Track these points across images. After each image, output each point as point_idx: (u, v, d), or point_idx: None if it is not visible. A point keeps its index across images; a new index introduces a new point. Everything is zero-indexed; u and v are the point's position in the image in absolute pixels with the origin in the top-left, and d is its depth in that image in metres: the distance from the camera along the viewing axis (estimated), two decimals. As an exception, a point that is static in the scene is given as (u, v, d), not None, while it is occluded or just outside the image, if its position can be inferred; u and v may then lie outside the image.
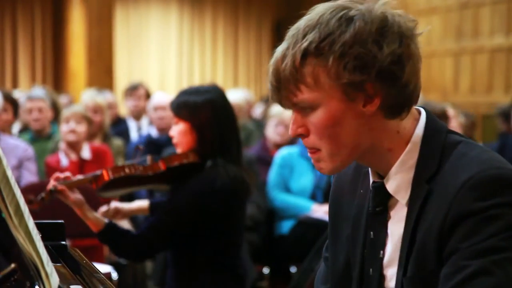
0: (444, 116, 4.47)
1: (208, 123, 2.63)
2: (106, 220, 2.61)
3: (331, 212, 1.56)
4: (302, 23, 1.33)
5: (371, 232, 1.43)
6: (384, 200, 1.40)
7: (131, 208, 2.80)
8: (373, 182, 1.42)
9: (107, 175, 2.58)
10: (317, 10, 1.33)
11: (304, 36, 1.31)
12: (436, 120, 1.40)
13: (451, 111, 4.90)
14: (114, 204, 2.77)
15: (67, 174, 2.60)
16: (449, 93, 9.56)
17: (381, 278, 1.41)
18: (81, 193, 2.61)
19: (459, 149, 1.34)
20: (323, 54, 1.29)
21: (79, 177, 2.65)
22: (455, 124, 5.10)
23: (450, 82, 9.61)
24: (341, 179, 1.55)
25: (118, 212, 2.74)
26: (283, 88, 1.34)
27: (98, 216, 2.60)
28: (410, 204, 1.35)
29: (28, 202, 2.53)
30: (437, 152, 1.35)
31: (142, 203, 2.85)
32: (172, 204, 2.63)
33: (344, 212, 1.50)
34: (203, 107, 2.63)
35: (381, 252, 1.41)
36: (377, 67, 1.29)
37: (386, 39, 1.29)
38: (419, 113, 1.40)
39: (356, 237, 1.46)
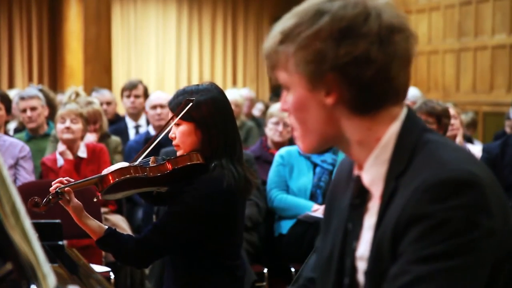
0: (446, 115, 4.45)
1: (213, 122, 2.59)
2: (105, 227, 2.56)
3: (327, 203, 1.59)
4: (299, 6, 1.39)
5: (350, 223, 1.45)
6: (362, 193, 1.43)
7: None
8: (355, 175, 1.46)
9: (112, 177, 2.53)
10: (308, 1, 1.39)
11: (288, 19, 1.37)
12: (415, 118, 1.41)
13: (452, 110, 4.88)
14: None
15: (68, 179, 2.56)
16: (450, 92, 9.56)
17: (353, 269, 1.44)
18: (80, 196, 2.56)
19: (426, 149, 1.35)
20: (291, 42, 1.35)
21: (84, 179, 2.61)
22: (457, 122, 5.08)
23: (452, 81, 9.61)
24: (341, 171, 1.58)
25: None
26: (267, 65, 1.41)
27: (97, 222, 2.56)
28: (382, 198, 1.38)
29: (35, 204, 2.50)
30: (408, 150, 1.36)
31: None
32: (178, 207, 2.58)
33: (337, 203, 1.53)
34: (206, 106, 2.59)
35: (354, 243, 1.43)
36: (330, 65, 1.32)
37: (347, 40, 1.32)
38: (402, 110, 1.41)
39: (339, 227, 1.48)
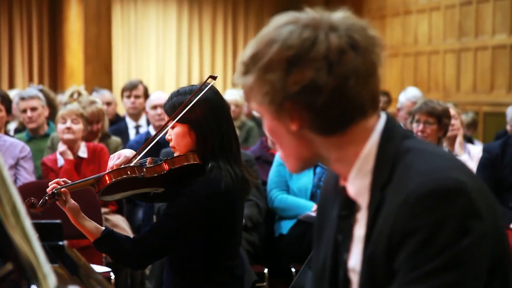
0: (446, 115, 4.45)
1: (207, 123, 2.58)
2: (102, 228, 2.56)
3: (317, 214, 1.59)
4: (263, 30, 1.39)
5: (340, 235, 1.45)
6: (349, 204, 1.42)
7: None
8: (341, 186, 1.45)
9: (109, 177, 2.52)
10: (271, 23, 1.37)
11: (249, 48, 1.37)
12: (394, 125, 1.40)
13: (452, 110, 4.88)
14: None
15: (65, 179, 2.56)
16: (450, 92, 9.55)
17: (347, 281, 1.43)
18: (81, 196, 2.56)
19: (407, 158, 1.34)
20: (251, 73, 1.35)
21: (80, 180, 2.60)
22: (457, 123, 5.08)
23: (452, 81, 9.60)
24: (328, 181, 1.57)
25: None
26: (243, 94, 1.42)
27: (94, 224, 2.56)
28: (369, 209, 1.37)
29: (31, 205, 2.49)
30: (389, 160, 1.35)
31: None
32: (175, 208, 2.57)
33: (328, 213, 1.52)
34: (199, 107, 2.58)
35: (345, 255, 1.43)
36: (282, 96, 1.32)
37: (294, 69, 1.31)
38: (379, 119, 1.40)
39: (330, 239, 1.48)
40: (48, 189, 2.50)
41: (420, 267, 1.25)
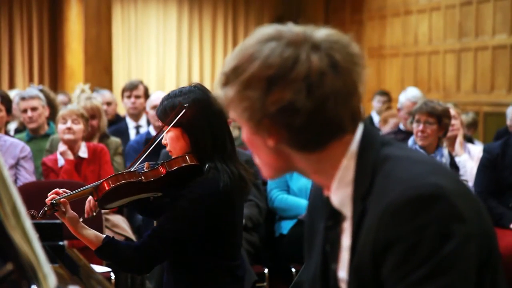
0: (446, 115, 4.45)
1: (198, 124, 2.59)
2: (103, 236, 2.57)
3: (306, 226, 1.59)
4: (242, 44, 1.38)
5: (328, 245, 1.46)
6: (335, 214, 1.43)
7: None
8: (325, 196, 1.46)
9: (107, 184, 2.53)
10: (254, 34, 1.37)
11: (230, 60, 1.36)
12: (372, 134, 1.40)
13: (453, 110, 4.88)
14: None
15: (64, 190, 2.57)
16: (451, 92, 9.55)
17: None
18: (81, 199, 2.57)
19: (386, 167, 1.35)
20: (231, 86, 1.35)
21: (79, 189, 2.61)
22: (457, 123, 5.08)
23: (452, 81, 9.60)
24: (315, 192, 1.58)
25: None
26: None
27: (94, 232, 2.56)
28: (352, 220, 1.38)
29: (31, 217, 2.49)
30: (369, 169, 1.36)
31: None
32: (175, 210, 2.57)
33: (316, 223, 1.53)
34: (189, 109, 2.59)
35: (334, 265, 1.44)
36: (261, 113, 1.32)
37: (274, 89, 1.30)
38: (355, 130, 1.40)
39: (319, 249, 1.49)
40: (47, 200, 2.51)
41: (407, 277, 1.25)
